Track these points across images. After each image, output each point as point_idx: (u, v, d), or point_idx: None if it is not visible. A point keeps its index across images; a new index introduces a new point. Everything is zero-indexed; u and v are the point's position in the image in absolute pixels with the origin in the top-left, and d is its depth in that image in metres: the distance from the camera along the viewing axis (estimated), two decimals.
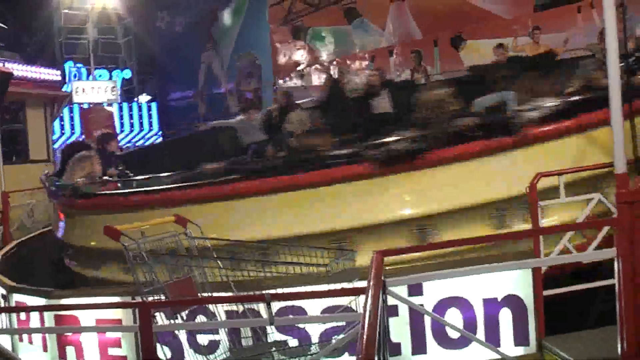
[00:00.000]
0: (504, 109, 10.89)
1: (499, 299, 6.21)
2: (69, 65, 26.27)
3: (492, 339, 6.12)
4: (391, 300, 5.13)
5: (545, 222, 6.68)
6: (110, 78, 26.52)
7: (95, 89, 24.79)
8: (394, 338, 6.02)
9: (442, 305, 6.18)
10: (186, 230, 6.10)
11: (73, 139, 23.36)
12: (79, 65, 26.39)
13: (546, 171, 6.53)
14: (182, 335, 6.28)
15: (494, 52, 12.82)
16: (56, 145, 21.70)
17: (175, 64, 27.95)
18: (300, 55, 25.68)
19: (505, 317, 6.18)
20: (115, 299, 6.95)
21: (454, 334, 6.08)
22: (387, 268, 5.03)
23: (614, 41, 4.99)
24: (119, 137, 23.22)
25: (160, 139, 26.74)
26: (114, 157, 11.55)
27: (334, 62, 23.97)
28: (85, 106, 24.57)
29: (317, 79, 23.11)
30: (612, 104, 4.97)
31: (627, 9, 8.91)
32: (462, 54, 21.30)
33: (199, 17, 27.71)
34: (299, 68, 25.26)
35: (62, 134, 24.27)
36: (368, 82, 12.57)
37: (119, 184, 10.05)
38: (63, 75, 25.16)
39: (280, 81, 24.70)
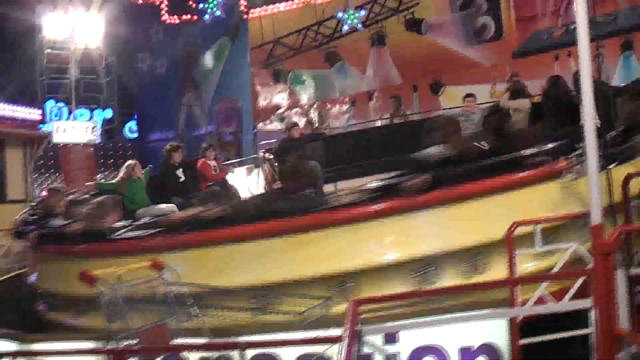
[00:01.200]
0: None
1: (475, 348, 6.19)
2: (50, 105, 26.21)
3: None
4: (366, 348, 5.10)
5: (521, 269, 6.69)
6: (91, 118, 26.45)
7: (75, 128, 24.69)
8: None
9: (417, 354, 6.15)
10: (162, 275, 6.05)
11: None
12: (60, 104, 26.34)
13: (522, 219, 6.55)
14: None
15: (463, 101, 12.84)
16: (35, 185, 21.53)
17: (156, 105, 27.97)
18: (281, 99, 25.79)
19: None
20: (89, 345, 6.86)
21: None
22: (362, 317, 5.02)
23: (590, 91, 5.04)
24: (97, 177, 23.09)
25: None
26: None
27: (314, 106, 24.09)
28: (65, 146, 24.46)
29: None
30: (588, 156, 5.01)
31: (602, 59, 9.08)
32: (442, 100, 21.51)
33: (180, 59, 27.80)
34: (279, 111, 25.35)
35: (42, 172, 24.14)
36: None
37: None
38: (44, 114, 25.09)
39: (260, 124, 24.79)
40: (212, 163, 13.15)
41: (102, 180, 21.23)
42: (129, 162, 11.20)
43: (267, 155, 14.55)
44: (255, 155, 19.59)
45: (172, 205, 10.94)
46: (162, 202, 11.18)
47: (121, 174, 11.32)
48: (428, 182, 7.09)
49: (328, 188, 13.16)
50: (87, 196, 12.14)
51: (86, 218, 8.95)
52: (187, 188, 12.05)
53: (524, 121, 10.92)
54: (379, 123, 19.43)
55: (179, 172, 12.10)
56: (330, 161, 13.34)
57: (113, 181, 12.45)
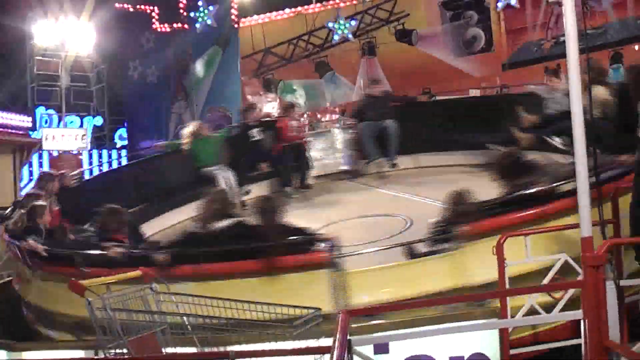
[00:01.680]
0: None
1: (465, 358, 6.20)
2: (40, 112, 26.12)
3: None
4: (357, 359, 5.09)
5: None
6: (82, 125, 26.36)
7: (65, 136, 24.61)
8: None
9: None
10: (152, 285, 6.04)
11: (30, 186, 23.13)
12: (50, 111, 26.25)
13: (512, 231, 6.58)
14: None
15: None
16: (23, 192, 21.45)
17: (147, 113, 27.93)
18: (271, 108, 25.81)
19: None
20: (79, 353, 6.84)
21: None
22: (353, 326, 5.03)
23: (579, 104, 5.05)
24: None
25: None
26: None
27: (305, 115, 24.13)
28: (55, 153, 24.40)
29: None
30: (577, 167, 5.03)
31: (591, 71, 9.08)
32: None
33: (171, 67, 27.78)
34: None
35: (31, 180, 24.03)
36: None
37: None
38: (34, 121, 25.02)
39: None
40: (294, 123, 12.86)
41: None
42: (195, 122, 11.40)
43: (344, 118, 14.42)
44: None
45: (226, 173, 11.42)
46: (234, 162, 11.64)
47: (188, 131, 11.34)
48: None
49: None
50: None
51: None
52: (260, 148, 11.93)
53: None
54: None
55: (255, 131, 11.94)
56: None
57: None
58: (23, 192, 13.13)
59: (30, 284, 9.61)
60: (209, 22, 26.32)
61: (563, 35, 5.09)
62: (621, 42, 19.15)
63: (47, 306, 8.80)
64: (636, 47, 19.19)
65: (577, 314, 5.13)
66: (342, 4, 24.77)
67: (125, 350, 5.36)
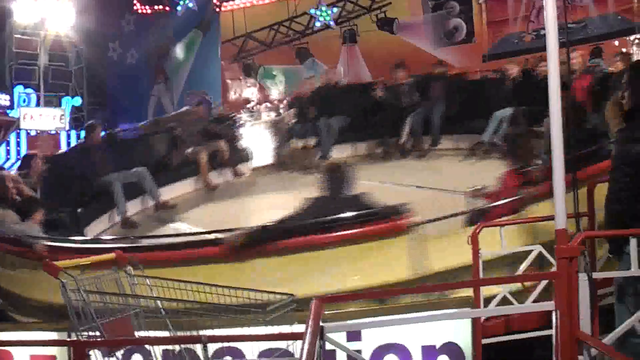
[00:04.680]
0: None
1: (438, 347, 6.23)
2: (18, 90, 25.92)
3: None
4: (329, 345, 5.11)
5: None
6: (60, 105, 26.18)
7: (43, 116, 24.45)
8: None
9: (380, 352, 6.18)
10: (126, 268, 6.02)
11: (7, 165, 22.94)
12: (28, 90, 26.05)
13: (488, 222, 6.63)
14: None
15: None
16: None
17: (126, 95, 27.77)
18: (251, 93, 25.76)
19: None
20: (52, 335, 6.82)
21: None
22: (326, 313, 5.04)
23: (557, 96, 5.08)
24: None
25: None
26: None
27: (284, 101, 24.08)
28: (33, 133, 24.25)
29: (267, 117, 23.21)
30: (554, 156, 5.05)
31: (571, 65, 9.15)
32: None
33: (151, 50, 27.62)
34: (248, 105, 25.31)
35: (8, 159, 23.87)
36: None
37: None
38: (12, 100, 24.83)
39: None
40: None
41: None
42: None
43: None
44: None
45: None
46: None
47: None
48: None
49: None
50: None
51: None
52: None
53: None
54: None
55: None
56: None
57: None
58: None
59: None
60: (190, 5, 26.13)
61: (544, 28, 5.10)
62: (601, 37, 19.24)
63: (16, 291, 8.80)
64: (616, 42, 19.30)
65: (549, 304, 5.17)
66: None
67: (98, 333, 5.35)
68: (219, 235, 8.13)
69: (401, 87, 14.70)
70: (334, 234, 7.51)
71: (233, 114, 17.01)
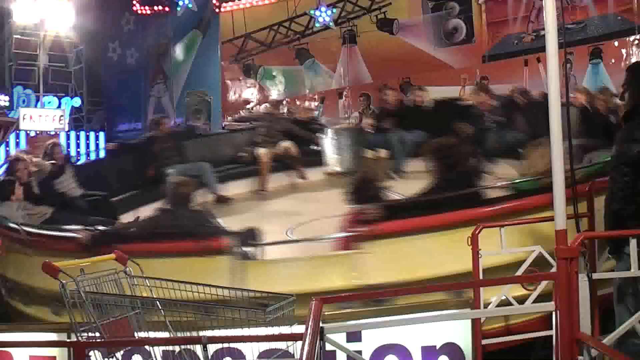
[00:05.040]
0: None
1: (438, 347, 6.23)
2: (17, 91, 25.93)
3: None
4: (329, 346, 5.11)
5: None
6: (60, 106, 26.18)
7: (43, 116, 24.47)
8: None
9: (380, 352, 6.18)
10: (126, 269, 6.02)
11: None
12: (27, 91, 26.06)
13: (487, 223, 6.63)
14: None
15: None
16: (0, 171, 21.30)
17: (125, 95, 27.80)
18: (250, 94, 25.76)
19: None
20: (51, 336, 6.82)
21: None
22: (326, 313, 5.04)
23: (557, 98, 5.08)
24: None
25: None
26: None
27: (284, 102, 24.08)
28: (32, 134, 24.25)
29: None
30: (553, 157, 5.05)
31: (572, 67, 9.17)
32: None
33: (150, 50, 27.63)
34: (248, 106, 25.32)
35: (7, 160, 23.88)
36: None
37: None
38: (11, 100, 24.85)
39: (229, 118, 24.75)
40: None
41: None
42: None
43: None
44: None
45: None
46: None
47: None
48: None
49: None
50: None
51: None
52: None
53: None
54: None
55: None
56: None
57: None
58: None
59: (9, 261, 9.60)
60: (190, 5, 26.16)
61: (543, 29, 5.11)
62: (601, 38, 19.23)
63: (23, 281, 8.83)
64: (616, 43, 19.29)
65: (550, 305, 5.18)
66: None
67: (97, 334, 5.35)
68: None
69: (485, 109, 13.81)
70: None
71: (313, 117, 16.50)
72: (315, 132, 15.20)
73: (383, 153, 13.59)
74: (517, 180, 8.53)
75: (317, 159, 14.76)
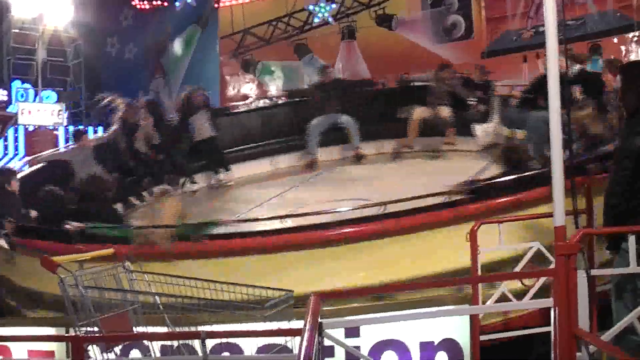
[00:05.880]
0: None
1: (436, 343, 6.24)
2: (16, 85, 25.88)
3: None
4: (328, 341, 5.11)
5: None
6: (58, 100, 26.14)
7: (41, 111, 24.43)
8: None
9: (379, 348, 6.19)
10: (124, 264, 6.02)
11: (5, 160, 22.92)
12: (26, 85, 26.01)
13: (486, 219, 6.63)
14: None
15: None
16: None
17: (124, 90, 27.73)
18: (249, 89, 25.73)
19: None
20: (50, 330, 6.82)
21: None
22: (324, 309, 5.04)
23: (557, 93, 5.08)
24: None
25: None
26: None
27: (282, 97, 24.06)
28: (31, 128, 24.23)
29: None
30: (553, 155, 5.05)
31: (571, 63, 9.14)
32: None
33: (149, 45, 27.58)
34: (247, 101, 25.28)
35: (6, 154, 23.86)
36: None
37: None
38: (9, 95, 24.78)
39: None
40: None
41: None
42: None
43: None
44: None
45: None
46: None
47: None
48: None
49: None
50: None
51: None
52: None
53: None
54: None
55: None
56: None
57: None
58: None
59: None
60: (188, 0, 26.13)
61: (543, 25, 5.10)
62: (600, 34, 19.23)
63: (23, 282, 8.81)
64: (615, 40, 19.29)
65: (548, 302, 5.18)
66: None
67: (96, 329, 5.35)
68: None
69: None
70: None
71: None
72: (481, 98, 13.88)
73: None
74: None
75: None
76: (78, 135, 14.43)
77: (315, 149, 13.57)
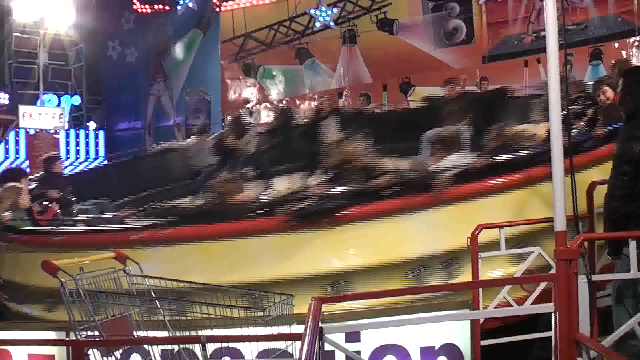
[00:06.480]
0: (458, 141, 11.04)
1: (436, 348, 6.23)
2: (17, 89, 25.91)
3: None
4: (328, 346, 5.11)
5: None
6: (59, 104, 26.16)
7: (42, 114, 24.46)
8: None
9: (379, 353, 6.18)
10: (125, 268, 6.01)
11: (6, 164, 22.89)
12: (27, 89, 26.04)
13: (487, 223, 6.61)
14: None
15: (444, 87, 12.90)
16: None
17: (125, 94, 27.77)
18: (250, 93, 25.74)
19: None
20: (50, 334, 6.82)
21: None
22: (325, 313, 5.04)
23: (557, 97, 5.08)
24: (64, 164, 22.78)
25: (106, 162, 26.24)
26: (60, 179, 11.54)
27: (283, 101, 24.07)
28: (32, 132, 24.24)
29: (266, 117, 23.18)
30: (553, 161, 5.05)
31: (572, 67, 9.16)
32: (410, 100, 21.59)
33: (150, 49, 27.60)
34: (248, 105, 25.30)
35: (7, 157, 23.88)
36: (317, 107, 12.68)
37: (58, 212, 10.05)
38: (11, 98, 24.80)
39: (229, 118, 24.76)
40: None
41: None
42: None
43: None
44: None
45: None
46: None
47: None
48: None
49: None
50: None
51: None
52: None
53: None
54: None
55: None
56: None
57: None
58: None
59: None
60: (190, 4, 26.19)
61: (544, 29, 5.11)
62: (601, 39, 19.25)
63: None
64: (616, 44, 19.29)
65: (549, 306, 5.17)
66: None
67: (96, 332, 5.34)
68: None
69: None
70: None
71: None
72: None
73: None
74: None
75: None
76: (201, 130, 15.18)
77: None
